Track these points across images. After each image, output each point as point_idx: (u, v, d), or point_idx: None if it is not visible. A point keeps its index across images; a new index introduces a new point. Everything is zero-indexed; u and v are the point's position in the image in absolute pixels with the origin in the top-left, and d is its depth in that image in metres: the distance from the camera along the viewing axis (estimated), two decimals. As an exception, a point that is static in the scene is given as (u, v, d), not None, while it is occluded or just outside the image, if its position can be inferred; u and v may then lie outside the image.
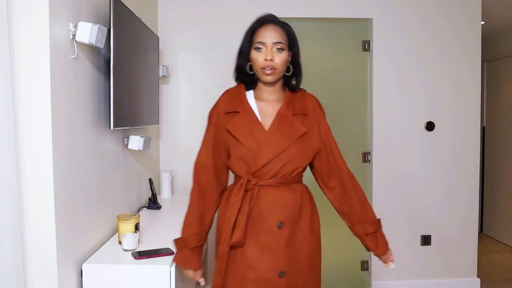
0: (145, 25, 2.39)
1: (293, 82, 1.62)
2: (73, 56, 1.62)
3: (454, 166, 3.28)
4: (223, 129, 1.55)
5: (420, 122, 3.25)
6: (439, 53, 3.23)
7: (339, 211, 1.67)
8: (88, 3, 1.76)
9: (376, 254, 1.66)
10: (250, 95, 1.59)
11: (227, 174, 1.64)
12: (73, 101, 1.64)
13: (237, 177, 1.59)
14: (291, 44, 1.56)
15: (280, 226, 1.50)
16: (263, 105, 1.57)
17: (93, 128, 1.83)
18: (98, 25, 1.62)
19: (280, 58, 1.50)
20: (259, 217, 1.51)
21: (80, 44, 1.66)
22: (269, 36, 1.50)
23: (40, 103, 1.44)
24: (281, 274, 1.50)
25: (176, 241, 1.58)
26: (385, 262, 1.68)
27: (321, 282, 1.67)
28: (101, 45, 1.68)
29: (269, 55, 1.49)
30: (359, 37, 3.27)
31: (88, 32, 1.59)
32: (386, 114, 3.23)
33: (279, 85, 1.59)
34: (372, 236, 1.64)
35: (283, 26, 1.55)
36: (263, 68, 1.50)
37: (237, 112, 1.54)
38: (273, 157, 1.49)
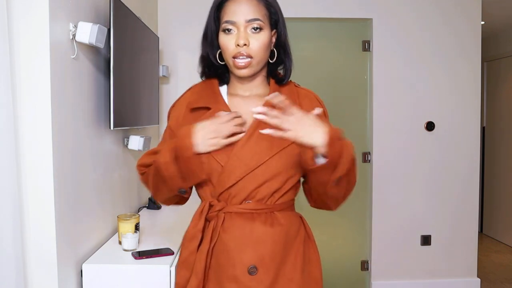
0: (145, 25, 2.39)
1: (280, 71, 1.22)
2: (73, 56, 1.62)
3: (454, 166, 3.28)
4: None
5: (420, 122, 3.25)
6: (439, 53, 3.23)
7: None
8: (88, 3, 1.76)
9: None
10: (222, 91, 1.20)
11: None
12: (73, 101, 1.64)
13: (201, 200, 1.19)
14: (274, 19, 1.14)
15: (252, 272, 1.07)
16: (239, 104, 1.17)
17: (93, 128, 1.83)
18: (98, 25, 1.62)
19: (258, 41, 1.09)
20: (223, 257, 1.09)
21: (80, 44, 1.66)
22: (241, 12, 1.08)
23: (40, 103, 1.44)
24: None
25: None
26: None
27: None
28: (101, 45, 1.68)
29: (242, 37, 1.07)
30: (359, 37, 3.27)
31: (88, 32, 1.59)
32: (386, 114, 3.23)
33: (260, 77, 1.18)
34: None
35: None
36: (235, 58, 1.09)
37: (208, 108, 1.14)
38: (245, 174, 1.07)
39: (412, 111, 3.24)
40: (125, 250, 1.77)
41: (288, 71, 1.20)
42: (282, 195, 1.12)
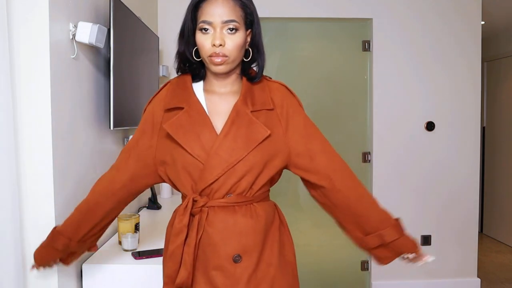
0: (145, 25, 2.39)
1: (254, 68, 1.24)
2: (73, 56, 1.62)
3: (454, 166, 3.28)
4: (160, 132, 1.20)
5: (420, 122, 3.25)
6: (439, 53, 3.23)
7: (343, 225, 1.29)
8: (88, 3, 1.76)
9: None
10: (198, 87, 1.23)
11: (139, 192, 1.34)
12: (73, 101, 1.64)
13: (183, 196, 1.23)
14: (249, 20, 1.17)
15: (237, 260, 1.14)
16: (215, 101, 1.20)
17: (93, 128, 1.83)
18: (98, 25, 1.62)
19: (234, 42, 1.13)
20: (209, 249, 1.15)
21: (80, 44, 1.66)
22: (217, 13, 1.12)
23: (40, 103, 1.44)
24: None
25: (52, 232, 1.32)
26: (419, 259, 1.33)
27: None
28: (101, 45, 1.68)
29: (218, 38, 1.11)
30: (359, 37, 3.27)
31: (88, 32, 1.59)
32: (386, 114, 3.23)
33: (235, 74, 1.22)
34: (394, 243, 1.24)
35: None
36: (211, 56, 1.13)
37: (181, 108, 1.17)
38: (226, 170, 1.12)
39: (412, 111, 3.24)
40: (125, 250, 1.77)
41: (260, 69, 1.23)
42: (260, 187, 1.18)
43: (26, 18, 1.41)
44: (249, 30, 1.19)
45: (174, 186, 1.24)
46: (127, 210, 2.34)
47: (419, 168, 3.26)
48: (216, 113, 1.18)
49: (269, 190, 1.25)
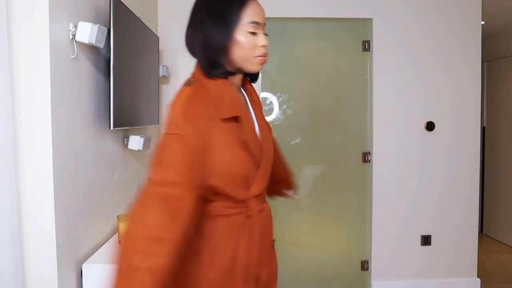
0: (145, 25, 2.39)
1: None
2: (73, 56, 1.62)
3: (454, 166, 3.28)
4: (220, 143, 1.08)
5: (420, 122, 3.25)
6: (439, 53, 3.23)
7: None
8: (88, 3, 1.76)
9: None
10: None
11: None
12: (73, 101, 1.64)
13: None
14: None
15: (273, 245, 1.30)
16: (239, 95, 1.22)
17: (93, 128, 1.83)
18: (98, 25, 1.62)
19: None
20: (259, 239, 1.21)
21: (80, 44, 1.66)
22: (261, 14, 1.14)
23: (40, 103, 1.44)
24: None
25: None
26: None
27: None
28: (101, 45, 1.68)
29: (263, 40, 1.14)
30: (359, 37, 3.27)
31: (88, 32, 1.59)
32: (386, 114, 3.23)
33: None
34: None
35: None
36: (260, 56, 1.14)
37: (238, 117, 1.13)
38: (267, 168, 1.20)
39: (412, 111, 3.24)
40: (125, 250, 1.77)
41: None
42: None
43: (26, 18, 1.41)
44: None
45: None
46: (127, 210, 2.34)
47: (419, 168, 3.26)
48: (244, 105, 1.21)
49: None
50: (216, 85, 1.14)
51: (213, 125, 1.08)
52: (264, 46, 1.14)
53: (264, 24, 1.16)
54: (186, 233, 1.03)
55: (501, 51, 4.68)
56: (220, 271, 1.12)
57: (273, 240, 1.28)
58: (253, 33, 1.13)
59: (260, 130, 1.20)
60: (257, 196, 1.17)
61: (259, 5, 1.15)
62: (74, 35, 1.59)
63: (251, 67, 1.16)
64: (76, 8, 1.64)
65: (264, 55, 1.15)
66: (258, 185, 1.16)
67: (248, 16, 1.11)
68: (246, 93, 1.24)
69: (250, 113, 1.22)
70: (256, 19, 1.12)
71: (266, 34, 1.16)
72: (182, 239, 1.02)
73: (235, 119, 1.12)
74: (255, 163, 1.15)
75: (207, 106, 1.09)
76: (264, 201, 1.24)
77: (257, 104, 1.25)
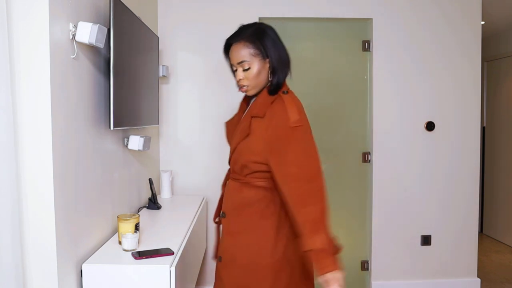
0: (145, 25, 2.39)
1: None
2: (73, 56, 1.62)
3: (454, 166, 3.28)
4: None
5: (420, 122, 3.25)
6: (439, 53, 3.23)
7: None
8: (88, 3, 1.76)
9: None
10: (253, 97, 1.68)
11: None
12: (73, 101, 1.64)
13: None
14: (264, 51, 1.53)
15: (222, 215, 1.67)
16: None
17: (93, 128, 1.83)
18: (98, 25, 1.62)
19: (250, 75, 1.54)
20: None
21: (80, 44, 1.66)
22: (233, 57, 1.56)
23: (40, 103, 1.43)
24: (220, 259, 1.66)
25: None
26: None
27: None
28: (101, 45, 1.68)
29: (238, 75, 1.56)
30: (359, 37, 3.27)
31: (88, 32, 1.59)
32: (386, 114, 3.23)
33: (264, 89, 1.59)
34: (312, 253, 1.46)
35: (249, 38, 1.52)
36: (238, 86, 1.60)
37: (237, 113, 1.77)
38: (230, 156, 1.64)
39: (412, 111, 3.24)
40: (125, 250, 1.77)
41: (273, 86, 1.57)
42: (247, 172, 1.58)
43: (26, 18, 1.40)
44: (267, 59, 1.55)
45: None
46: (127, 210, 2.34)
47: (419, 168, 3.26)
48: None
49: (260, 182, 1.56)
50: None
51: None
52: (239, 80, 1.56)
53: (239, 64, 1.54)
54: None
55: (501, 51, 4.68)
56: None
57: (222, 212, 1.70)
58: (234, 71, 1.59)
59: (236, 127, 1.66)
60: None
61: (233, 50, 1.56)
62: (74, 35, 1.59)
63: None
64: (76, 8, 1.64)
65: (241, 87, 1.58)
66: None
67: (230, 60, 1.59)
68: (251, 104, 1.62)
69: (242, 111, 1.69)
70: (231, 62, 1.59)
71: (247, 68, 1.54)
72: None
73: None
74: None
75: None
76: (231, 178, 1.68)
77: (248, 112, 1.60)
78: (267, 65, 1.55)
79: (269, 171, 1.51)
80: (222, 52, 1.62)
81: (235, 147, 1.57)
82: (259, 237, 1.55)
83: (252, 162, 1.53)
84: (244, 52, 1.52)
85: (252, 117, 1.53)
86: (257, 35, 1.53)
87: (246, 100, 1.71)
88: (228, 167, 1.71)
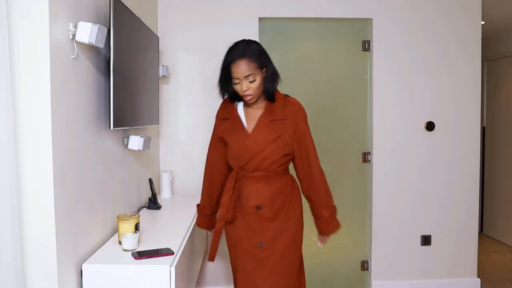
0: (145, 25, 2.39)
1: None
2: (73, 56, 1.62)
3: (454, 166, 3.28)
4: (219, 131, 2.00)
5: (420, 122, 3.25)
6: (439, 53, 3.23)
7: (306, 198, 2.01)
8: (88, 3, 1.76)
9: (319, 233, 2.02)
10: (240, 105, 1.98)
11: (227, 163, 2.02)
12: (73, 101, 1.64)
13: (233, 169, 1.98)
14: (262, 63, 1.84)
15: (258, 208, 1.91)
16: (250, 112, 1.95)
17: (93, 128, 1.83)
18: (98, 25, 1.62)
19: (255, 85, 1.83)
20: (244, 201, 1.93)
21: (80, 44, 1.66)
22: (240, 72, 1.81)
23: (40, 103, 1.43)
24: (261, 245, 1.91)
25: (198, 208, 2.16)
26: (319, 240, 2.04)
27: (298, 259, 2.00)
28: (101, 45, 1.68)
29: (245, 87, 1.82)
30: (359, 37, 3.27)
31: (88, 32, 1.59)
32: (386, 114, 3.23)
33: (261, 97, 1.93)
34: (324, 219, 1.97)
35: (251, 55, 1.80)
36: (244, 96, 1.86)
37: (228, 119, 1.97)
38: (252, 156, 1.88)
39: (412, 111, 3.24)
40: (125, 250, 1.77)
41: (269, 94, 1.90)
42: (276, 167, 1.91)
43: (26, 18, 1.40)
44: (265, 69, 1.86)
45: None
46: (127, 210, 2.34)
47: (419, 168, 3.26)
48: (250, 120, 1.94)
49: (287, 168, 1.98)
50: (225, 103, 2.06)
51: None
52: (245, 90, 1.83)
53: (247, 77, 1.81)
54: None
55: (501, 51, 4.68)
56: None
57: (257, 205, 1.96)
58: (237, 84, 1.85)
59: (253, 132, 1.92)
60: (241, 168, 1.97)
61: (240, 65, 1.81)
62: (74, 35, 1.59)
63: (244, 100, 1.91)
64: (76, 8, 1.64)
65: (246, 96, 1.86)
66: (240, 161, 1.96)
67: (232, 74, 1.84)
68: (264, 111, 1.93)
69: (240, 119, 1.96)
70: (235, 76, 1.83)
71: (253, 80, 1.83)
72: None
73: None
74: None
75: None
76: (251, 176, 1.97)
77: (264, 119, 1.92)
78: (264, 75, 1.87)
79: (289, 159, 1.94)
80: (221, 68, 1.87)
81: (264, 148, 1.86)
82: (298, 206, 2.01)
83: (282, 156, 1.89)
84: (250, 66, 1.81)
85: (272, 120, 1.88)
86: (257, 51, 1.84)
87: (232, 108, 1.98)
88: (225, 169, 2.05)
